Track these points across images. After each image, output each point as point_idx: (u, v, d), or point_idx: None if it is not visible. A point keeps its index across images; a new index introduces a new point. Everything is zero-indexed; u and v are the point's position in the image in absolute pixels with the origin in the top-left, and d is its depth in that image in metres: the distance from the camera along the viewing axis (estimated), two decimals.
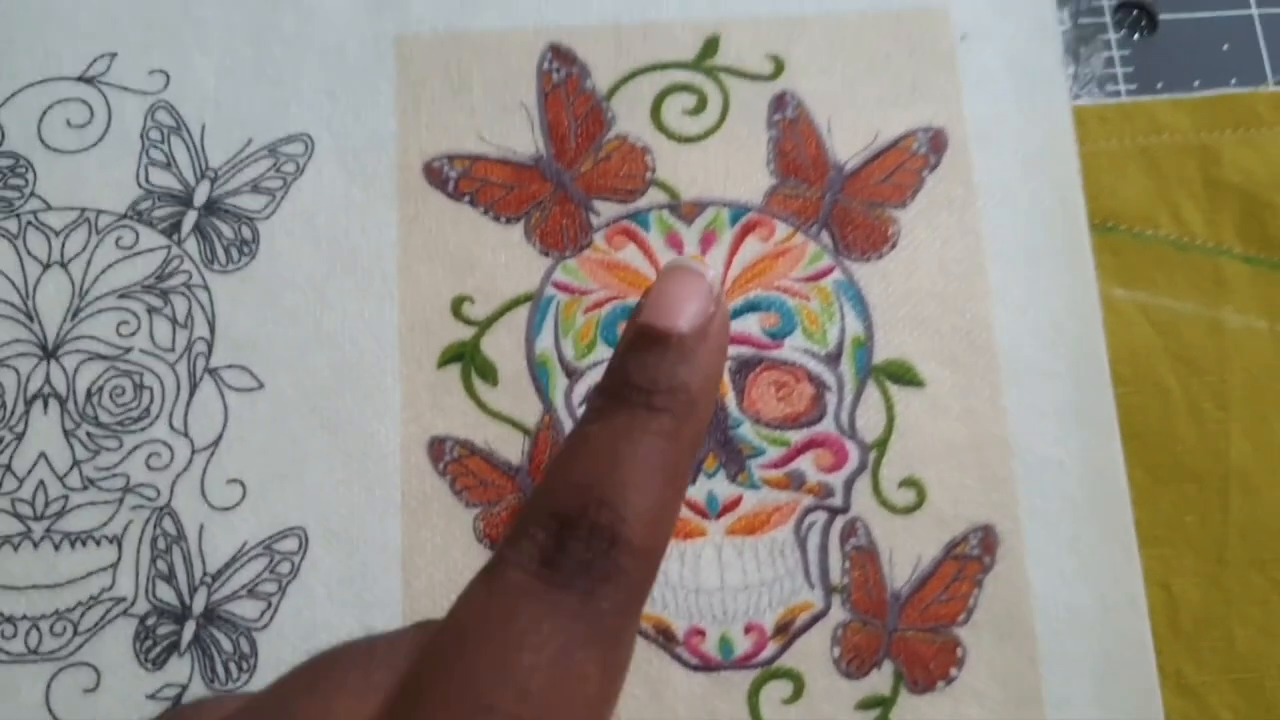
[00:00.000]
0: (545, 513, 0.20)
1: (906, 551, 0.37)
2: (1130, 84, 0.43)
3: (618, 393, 0.21)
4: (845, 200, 0.40)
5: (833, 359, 0.39)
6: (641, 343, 0.22)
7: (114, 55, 0.41)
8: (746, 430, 0.38)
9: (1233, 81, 0.43)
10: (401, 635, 0.20)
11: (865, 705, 0.36)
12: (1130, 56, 0.43)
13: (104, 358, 0.39)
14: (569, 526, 0.19)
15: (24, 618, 0.37)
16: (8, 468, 0.38)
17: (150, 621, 0.37)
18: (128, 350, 0.39)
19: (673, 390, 0.21)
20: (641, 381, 0.21)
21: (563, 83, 0.41)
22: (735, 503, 0.38)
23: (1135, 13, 0.44)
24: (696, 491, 0.38)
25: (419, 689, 0.18)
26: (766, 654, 0.36)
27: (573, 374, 0.39)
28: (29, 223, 0.40)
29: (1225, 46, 0.43)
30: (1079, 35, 0.43)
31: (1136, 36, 0.44)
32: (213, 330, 0.39)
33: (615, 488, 0.20)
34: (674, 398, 0.21)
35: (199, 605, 0.37)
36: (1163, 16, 0.43)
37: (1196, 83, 0.43)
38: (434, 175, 0.40)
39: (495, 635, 0.18)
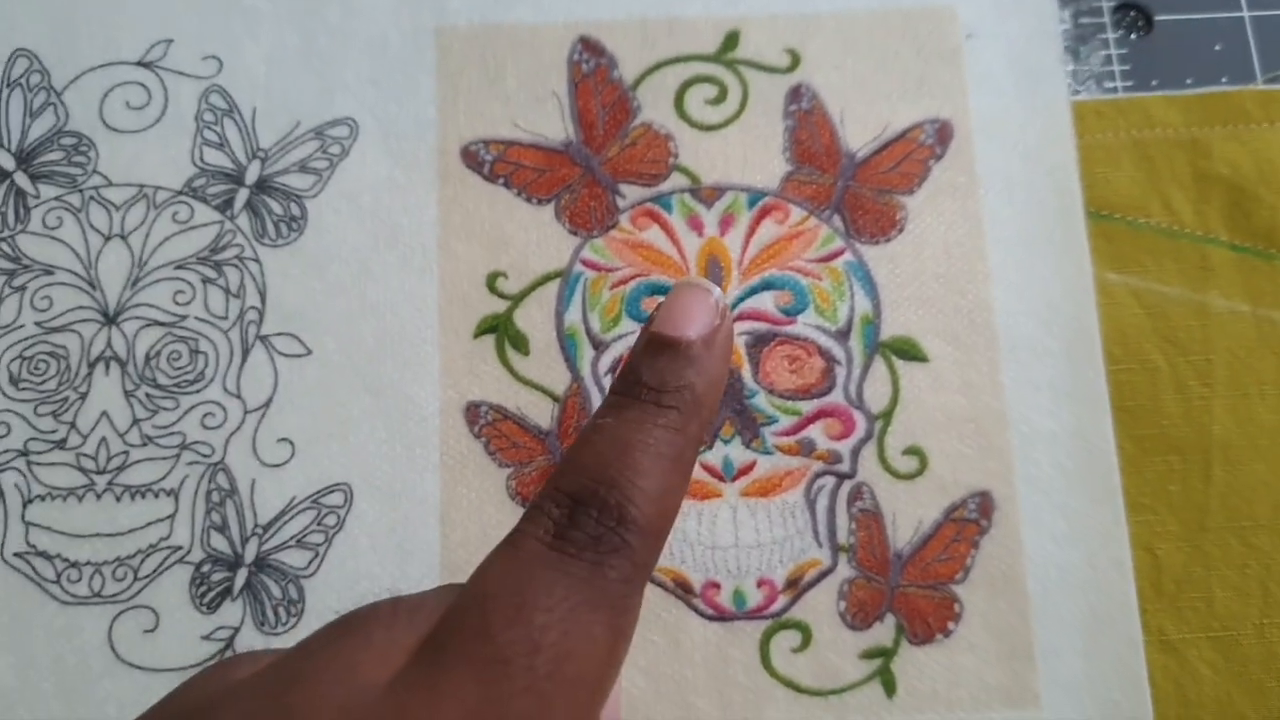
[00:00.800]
0: (561, 491, 0.22)
1: (909, 514, 0.40)
2: (1127, 81, 0.45)
3: (630, 390, 0.23)
4: (856, 187, 0.43)
5: (842, 335, 0.41)
6: (653, 348, 0.24)
7: (170, 42, 0.44)
8: (761, 400, 0.41)
9: (1224, 80, 0.45)
10: (426, 597, 0.22)
11: (868, 655, 0.39)
12: (1127, 55, 0.45)
13: (161, 324, 0.41)
14: (581, 504, 0.21)
15: (88, 563, 0.39)
16: (72, 425, 0.40)
17: (205, 569, 0.39)
18: (184, 318, 0.41)
19: (680, 390, 0.23)
20: (652, 381, 0.23)
21: (592, 73, 0.44)
22: (750, 467, 0.40)
23: (1133, 13, 0.46)
24: (714, 456, 0.40)
25: (441, 644, 0.20)
26: (777, 606, 0.39)
27: (599, 345, 0.41)
28: (91, 198, 0.42)
29: (1218, 46, 0.46)
30: (1078, 34, 0.46)
31: (1134, 36, 0.46)
32: (264, 300, 0.42)
33: (625, 472, 0.22)
34: (681, 396, 0.23)
35: (250, 554, 0.39)
36: (1158, 17, 0.46)
37: (1189, 80, 0.45)
38: (471, 159, 0.43)
39: (512, 597, 0.20)
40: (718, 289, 0.25)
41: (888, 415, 0.41)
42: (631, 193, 0.43)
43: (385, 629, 0.21)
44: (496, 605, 0.20)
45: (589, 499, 0.21)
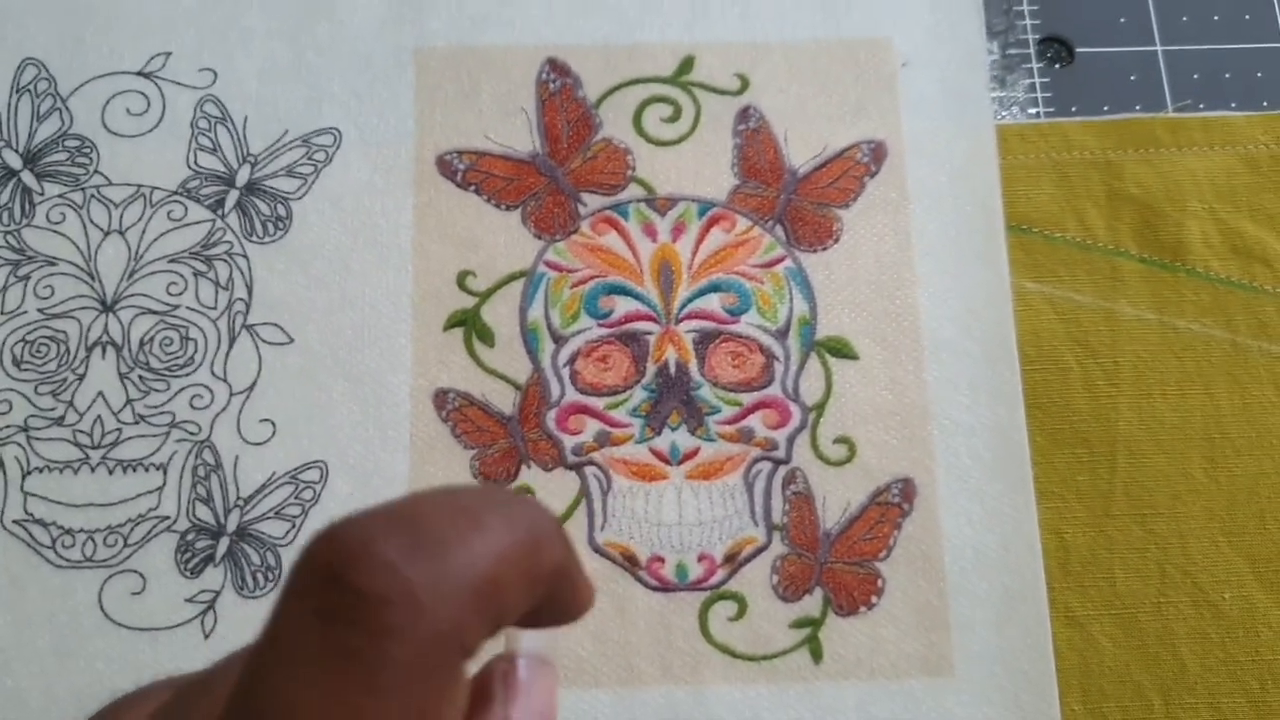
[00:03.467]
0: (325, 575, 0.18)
1: (838, 497, 0.43)
2: (1049, 107, 0.49)
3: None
4: (797, 200, 0.47)
5: (781, 334, 0.45)
6: None
7: (169, 54, 0.48)
8: (706, 392, 0.44)
9: (1137, 108, 0.49)
10: (210, 682, 0.20)
11: (798, 624, 0.42)
12: (1050, 84, 0.50)
13: (155, 313, 0.45)
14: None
15: (81, 530, 0.43)
16: (70, 404, 0.44)
17: (190, 537, 0.43)
18: (176, 307, 0.45)
19: None
20: None
21: (558, 92, 0.48)
22: (694, 452, 0.44)
23: (1056, 45, 0.51)
24: (661, 442, 0.44)
25: None
26: (716, 579, 0.43)
27: (559, 339, 0.45)
28: (92, 196, 0.46)
29: (1132, 77, 0.50)
30: (1006, 64, 0.50)
31: (1057, 66, 0.50)
32: (250, 292, 0.45)
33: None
34: None
35: (232, 524, 0.43)
36: (1079, 49, 0.50)
37: (1106, 108, 0.49)
38: (445, 167, 0.47)
39: (280, 698, 0.17)
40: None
41: (821, 407, 0.44)
42: (592, 201, 0.46)
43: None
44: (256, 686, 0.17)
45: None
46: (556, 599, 0.20)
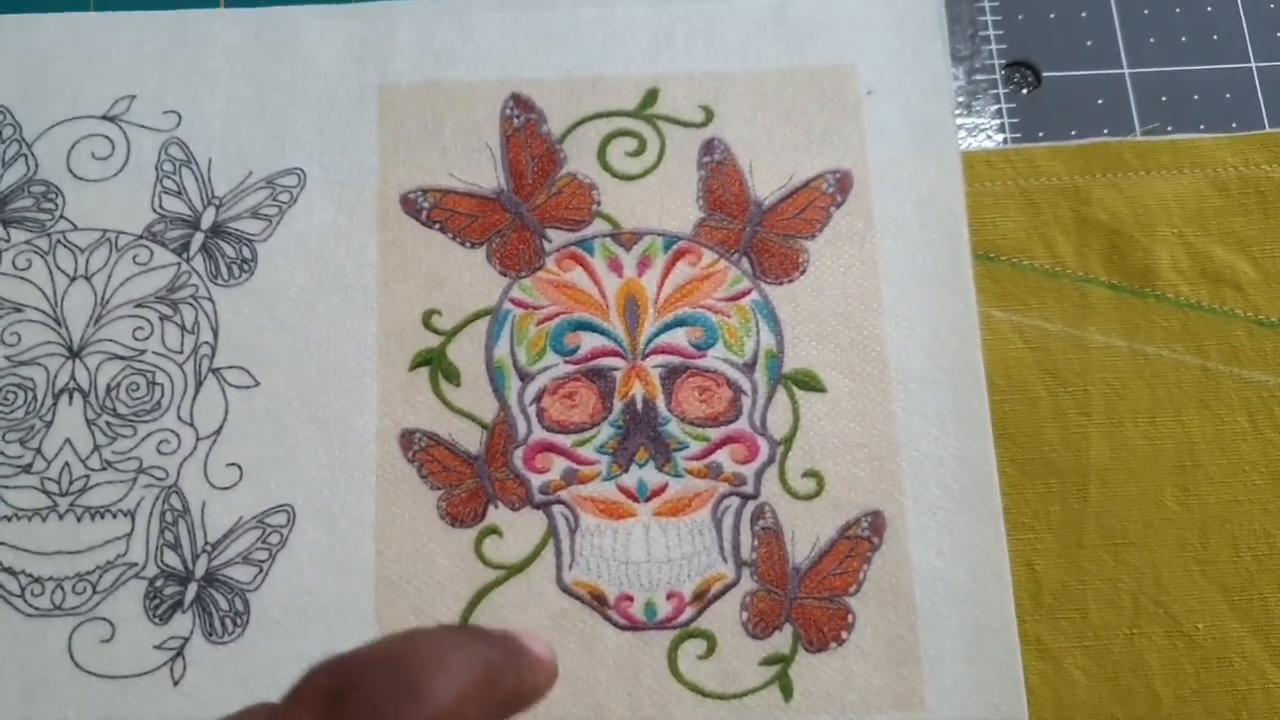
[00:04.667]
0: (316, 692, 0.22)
1: (807, 532, 0.43)
2: (1016, 133, 0.49)
3: None
4: (763, 232, 0.46)
5: (748, 367, 0.45)
6: None
7: (133, 98, 0.48)
8: (673, 427, 0.44)
9: (1105, 132, 0.49)
10: None
11: (768, 661, 0.42)
12: (1016, 109, 0.50)
13: (122, 358, 0.45)
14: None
15: (50, 579, 0.43)
16: (38, 451, 0.44)
17: (158, 583, 0.43)
18: (142, 352, 0.45)
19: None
20: None
21: (522, 127, 0.47)
22: (662, 489, 0.44)
23: (1022, 70, 0.50)
24: (629, 479, 0.44)
25: None
26: (684, 617, 0.42)
27: (525, 377, 0.45)
28: (58, 241, 0.46)
29: (1100, 101, 0.50)
30: (971, 90, 0.50)
31: (1024, 91, 0.50)
32: (216, 336, 0.45)
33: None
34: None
35: (200, 569, 0.43)
36: (1046, 74, 0.50)
37: (1073, 132, 0.49)
38: (409, 205, 0.47)
39: None
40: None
41: (789, 441, 0.44)
42: (557, 237, 0.46)
43: None
44: None
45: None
46: (512, 710, 0.25)
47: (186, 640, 0.42)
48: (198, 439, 0.44)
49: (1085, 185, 0.48)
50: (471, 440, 0.44)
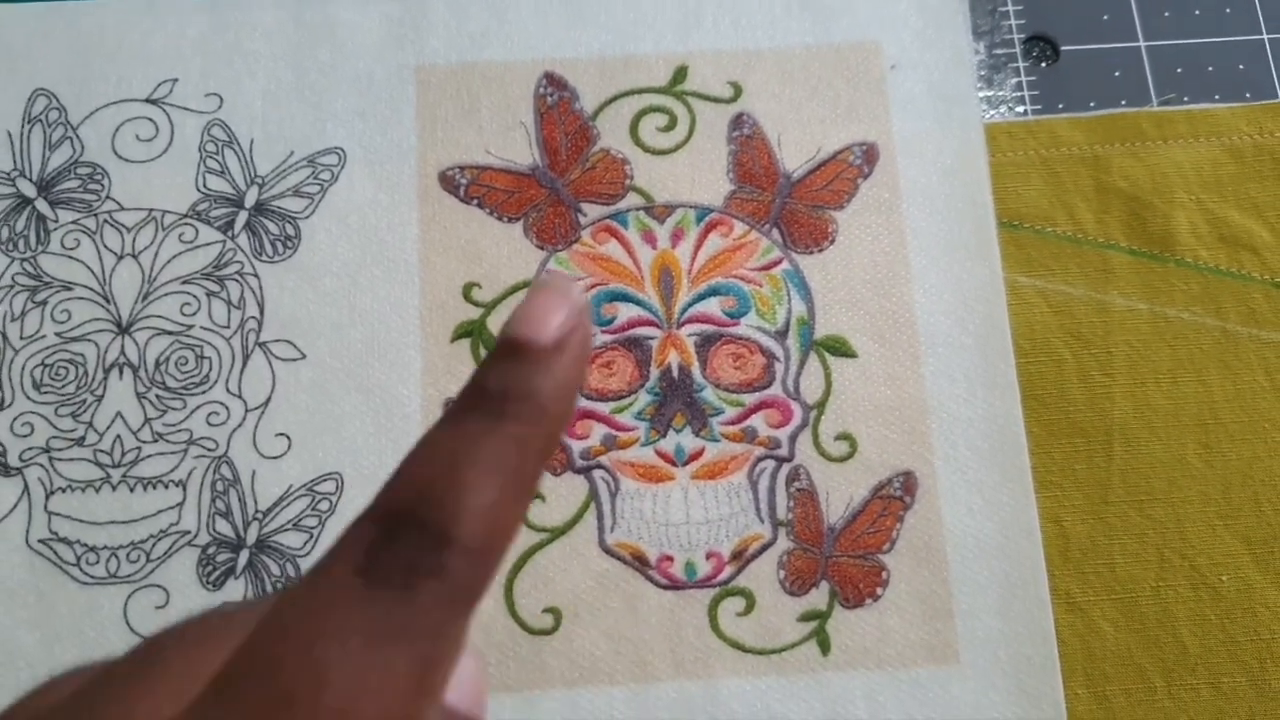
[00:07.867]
0: (379, 509, 0.20)
1: (840, 493, 0.44)
2: (1035, 105, 0.50)
3: (470, 399, 0.21)
4: (792, 203, 0.48)
5: (781, 335, 0.46)
6: (501, 352, 0.21)
7: (176, 81, 0.49)
8: (709, 394, 0.46)
9: (1123, 103, 0.50)
10: (248, 612, 0.21)
11: (805, 618, 0.43)
12: (1036, 81, 0.51)
13: (170, 333, 0.46)
14: (400, 524, 0.19)
15: (104, 548, 0.44)
16: (90, 424, 0.45)
17: (211, 550, 0.44)
18: (190, 327, 0.46)
19: (523, 397, 0.21)
20: (494, 388, 0.21)
21: (556, 105, 0.49)
22: (699, 453, 0.45)
23: (1041, 44, 0.52)
24: (667, 444, 0.45)
25: (229, 678, 0.19)
26: (724, 576, 0.44)
27: None
28: (105, 221, 0.47)
29: (1117, 73, 0.51)
30: (993, 64, 0.51)
31: (1043, 64, 0.51)
32: (262, 310, 0.46)
33: (450, 488, 0.20)
34: (524, 404, 0.21)
35: (252, 537, 0.44)
36: (1065, 47, 0.51)
37: (1092, 103, 0.50)
38: (448, 182, 0.48)
39: (305, 629, 0.19)
40: (578, 289, 0.22)
41: (821, 405, 0.45)
42: (592, 211, 0.48)
43: (184, 658, 0.20)
44: (288, 638, 0.19)
45: (408, 518, 0.19)
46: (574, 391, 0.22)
47: None
48: (246, 410, 0.45)
49: (1105, 154, 0.49)
50: None
